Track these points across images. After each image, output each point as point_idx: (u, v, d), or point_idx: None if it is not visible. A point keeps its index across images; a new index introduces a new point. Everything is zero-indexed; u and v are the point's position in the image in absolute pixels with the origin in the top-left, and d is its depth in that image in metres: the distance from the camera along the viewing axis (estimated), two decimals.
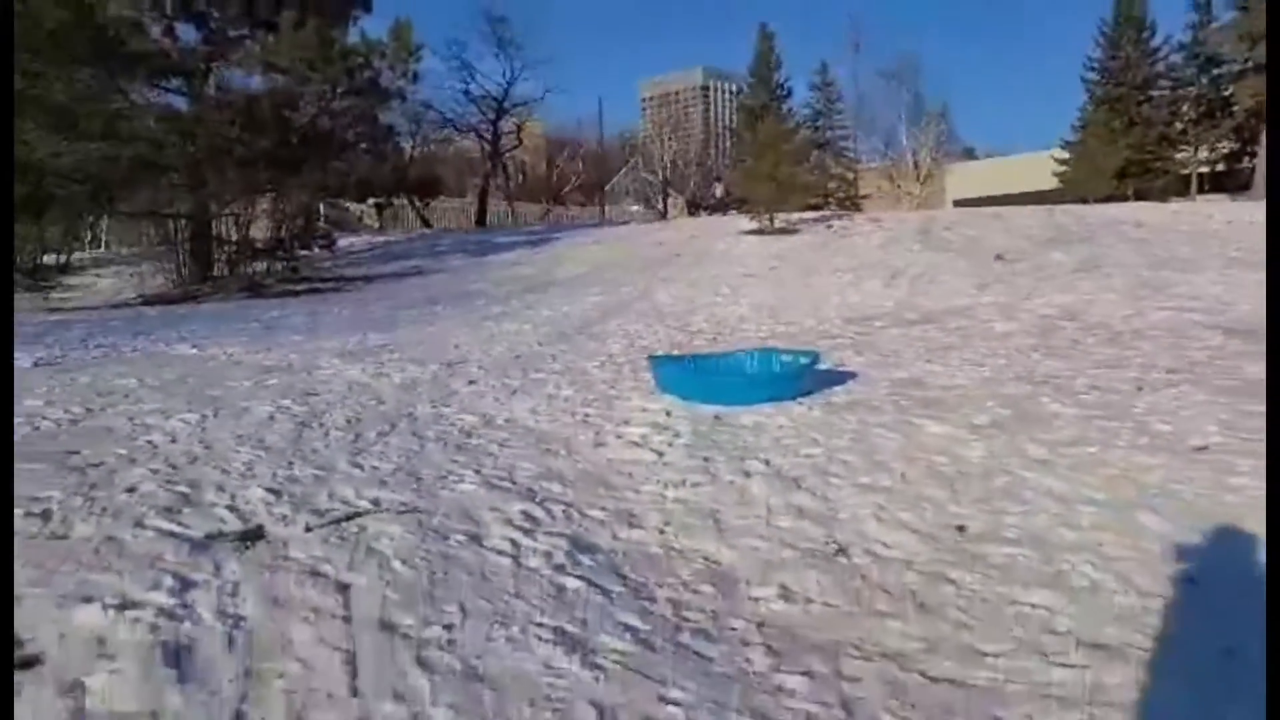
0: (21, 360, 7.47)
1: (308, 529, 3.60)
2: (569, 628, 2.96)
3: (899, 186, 45.71)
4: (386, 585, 3.17)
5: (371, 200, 35.76)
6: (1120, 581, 3.36)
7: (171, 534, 3.50)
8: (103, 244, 30.33)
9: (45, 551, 3.29)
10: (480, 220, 38.54)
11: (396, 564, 3.34)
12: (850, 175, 46.11)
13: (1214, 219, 20.20)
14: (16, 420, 5.18)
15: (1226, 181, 39.01)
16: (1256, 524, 3.73)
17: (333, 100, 21.12)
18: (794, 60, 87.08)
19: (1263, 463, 4.42)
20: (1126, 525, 3.83)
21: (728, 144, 56.63)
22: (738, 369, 6.75)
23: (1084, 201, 29.38)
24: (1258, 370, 6.60)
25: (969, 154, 68.24)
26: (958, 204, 43.10)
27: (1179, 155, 39.75)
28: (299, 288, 18.47)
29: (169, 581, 3.08)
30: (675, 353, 7.96)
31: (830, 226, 22.96)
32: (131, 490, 3.98)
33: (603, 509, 4.09)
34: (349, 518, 3.75)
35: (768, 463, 4.70)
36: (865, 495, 4.24)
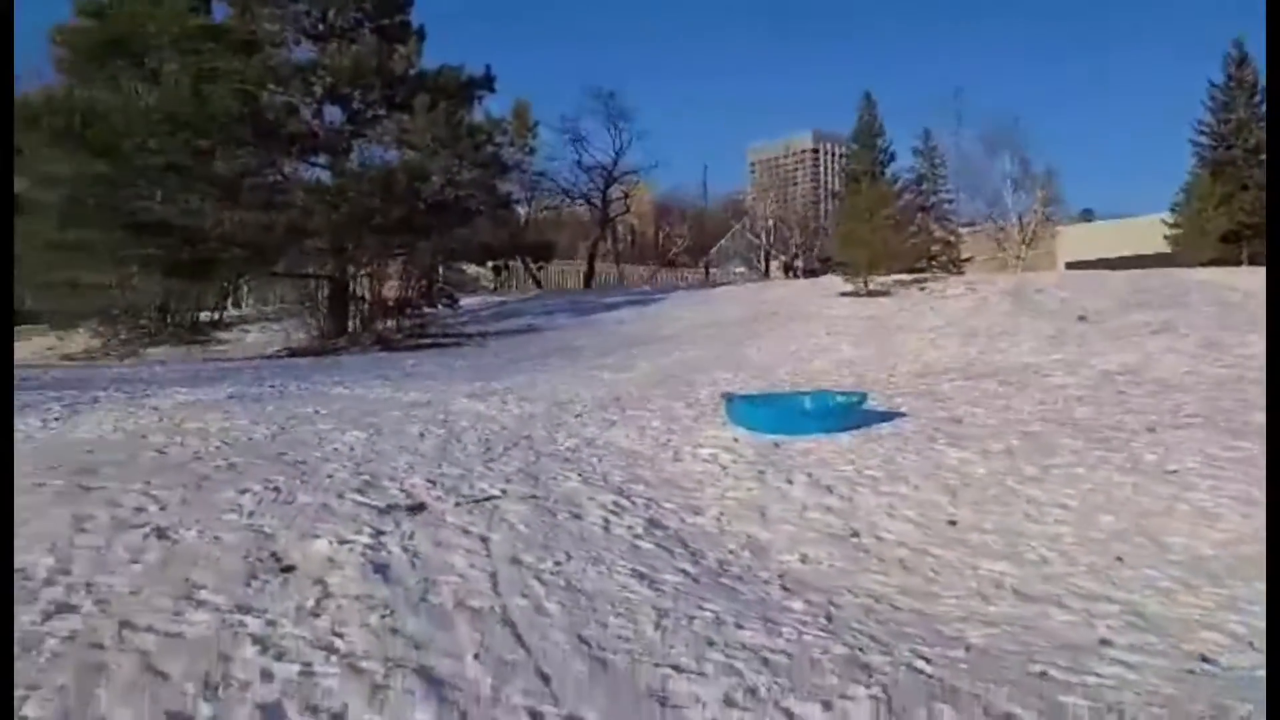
0: (217, 393, 9.20)
1: (457, 504, 4.97)
2: (641, 569, 4.20)
3: (1004, 249, 45.78)
4: (515, 539, 4.48)
5: (490, 263, 38.06)
6: (1063, 559, 4.42)
7: (364, 504, 4.91)
8: (242, 304, 33.22)
9: (287, 511, 4.73)
10: (589, 282, 40.49)
11: (521, 527, 4.66)
12: (953, 238, 46.39)
13: None
14: (233, 435, 6.77)
15: None
16: (1187, 521, 4.73)
17: (459, 172, 23.17)
18: (899, 125, 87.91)
19: (1219, 483, 5.36)
20: (1085, 523, 4.86)
21: (832, 207, 57.58)
22: (797, 405, 7.93)
23: (1198, 264, 29.20)
24: (1263, 417, 7.39)
25: (1086, 216, 67.30)
26: (1070, 266, 42.77)
27: None
28: (425, 342, 20.34)
29: (368, 530, 4.46)
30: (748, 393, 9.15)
31: (923, 289, 23.71)
32: (330, 477, 5.43)
33: (674, 503, 5.35)
34: (486, 499, 5.10)
35: (809, 475, 5.88)
36: (882, 498, 5.38)
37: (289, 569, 3.96)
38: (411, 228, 21.62)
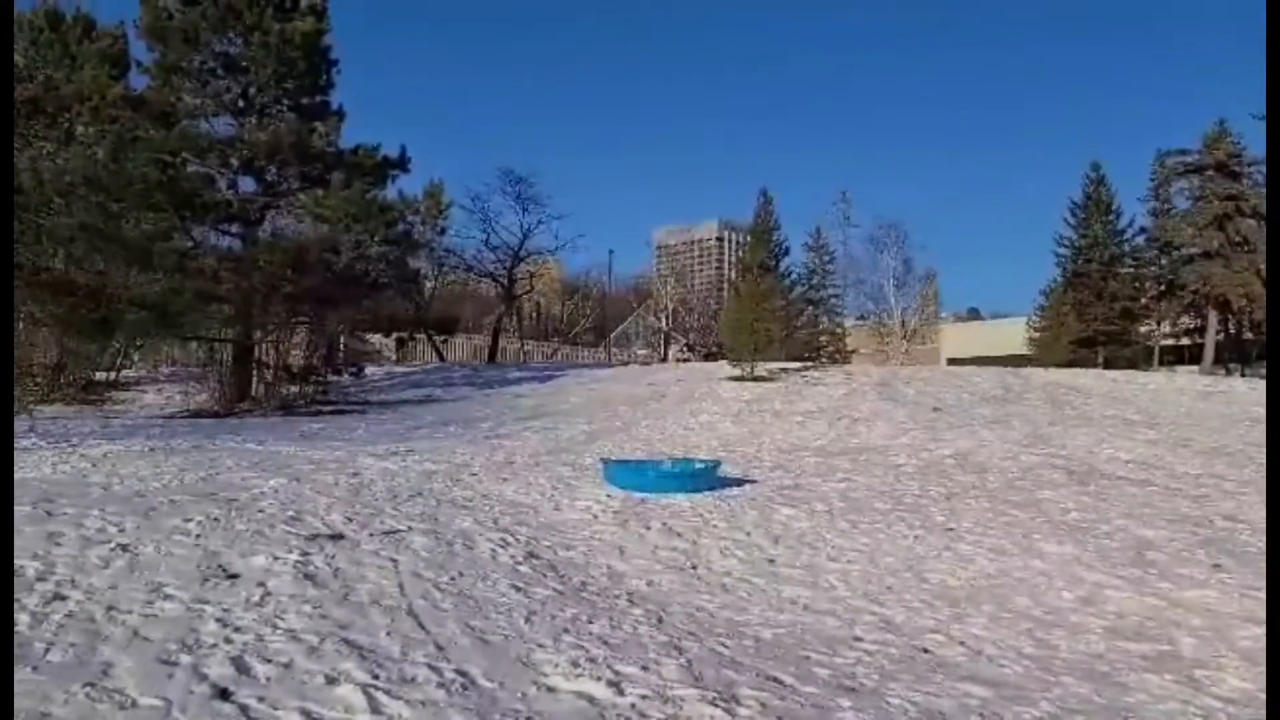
0: (137, 445, 9.94)
1: (370, 535, 6.01)
2: (519, 584, 5.33)
3: (886, 343, 48.71)
4: (418, 560, 5.56)
5: (394, 334, 38.69)
6: (846, 586, 5.72)
7: (291, 532, 5.91)
8: (131, 364, 32.80)
9: (227, 535, 5.71)
10: (492, 356, 41.47)
11: (423, 553, 5.74)
12: (839, 331, 49.19)
13: (1145, 387, 22.83)
14: (166, 479, 7.63)
15: (1190, 354, 41.94)
16: (947, 563, 6.12)
17: (369, 247, 24.14)
18: (797, 221, 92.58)
19: (981, 538, 6.81)
20: (871, 562, 6.21)
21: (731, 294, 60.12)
22: (661, 469, 9.21)
23: (1057, 365, 31.86)
24: (1048, 494, 9.00)
25: (973, 314, 72.03)
26: (952, 362, 45.80)
27: (1143, 328, 42.80)
28: (328, 409, 20.93)
29: (297, 551, 5.48)
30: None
31: (805, 377, 25.51)
32: (261, 511, 6.41)
33: (551, 541, 6.50)
34: (394, 532, 6.16)
35: (664, 524, 7.11)
36: (720, 542, 6.65)
37: (234, 576, 4.95)
38: (320, 298, 22.35)
